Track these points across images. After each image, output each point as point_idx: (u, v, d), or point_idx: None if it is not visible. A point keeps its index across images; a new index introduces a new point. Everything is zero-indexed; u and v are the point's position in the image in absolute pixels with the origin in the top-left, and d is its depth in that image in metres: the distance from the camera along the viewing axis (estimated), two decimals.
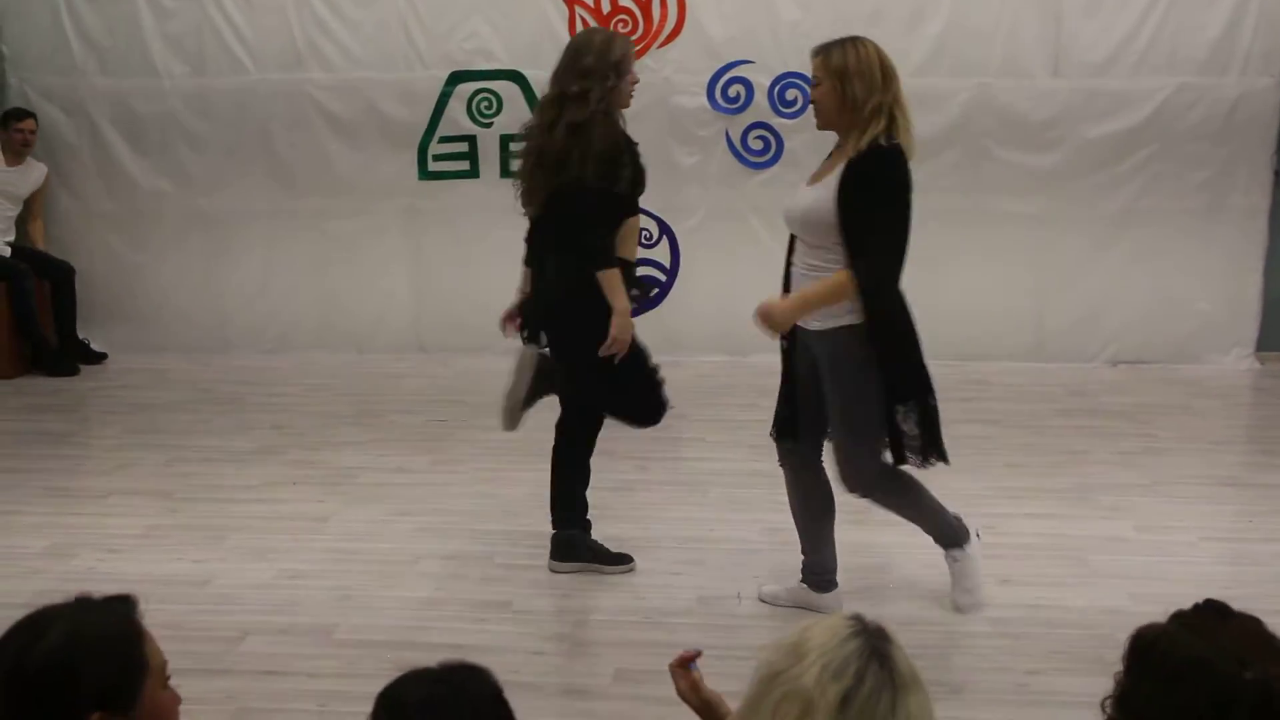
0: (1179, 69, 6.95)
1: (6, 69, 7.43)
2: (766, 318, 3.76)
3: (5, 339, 7.08)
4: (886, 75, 3.68)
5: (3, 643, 1.69)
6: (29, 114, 7.22)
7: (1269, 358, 7.29)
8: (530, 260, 4.35)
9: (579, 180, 4.01)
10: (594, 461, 5.58)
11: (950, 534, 4.06)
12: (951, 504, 4.92)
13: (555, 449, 4.46)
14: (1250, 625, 1.79)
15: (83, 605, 1.74)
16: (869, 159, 3.61)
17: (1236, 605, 1.89)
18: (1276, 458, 5.67)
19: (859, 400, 3.76)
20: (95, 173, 7.50)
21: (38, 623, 1.70)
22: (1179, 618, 1.81)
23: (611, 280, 4.05)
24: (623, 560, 4.40)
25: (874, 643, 1.67)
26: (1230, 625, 1.78)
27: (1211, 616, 1.80)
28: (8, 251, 7.18)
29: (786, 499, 4.16)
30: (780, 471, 5.17)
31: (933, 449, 3.83)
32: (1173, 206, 7.11)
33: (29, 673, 1.65)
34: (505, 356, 7.19)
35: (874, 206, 3.59)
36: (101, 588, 1.86)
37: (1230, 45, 6.91)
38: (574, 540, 4.40)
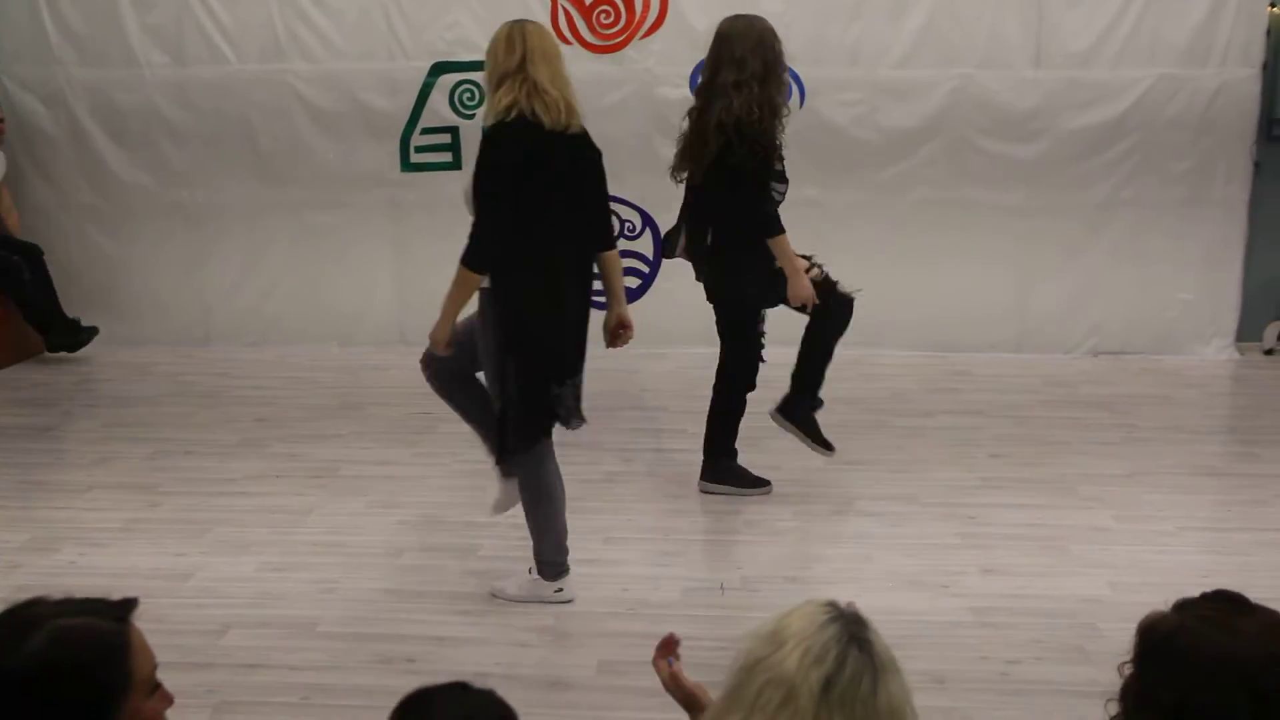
0: (1160, 60, 6.97)
1: None
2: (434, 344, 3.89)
3: None
4: (510, 49, 3.72)
5: None
6: None
7: (1249, 348, 7.32)
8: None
9: None
10: (576, 453, 5.61)
11: (550, 558, 4.04)
12: (936, 494, 4.97)
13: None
14: (1273, 619, 1.75)
15: (69, 610, 1.67)
16: (481, 141, 3.80)
17: None
18: (1256, 447, 5.70)
19: (487, 358, 3.87)
20: (74, 164, 7.45)
21: (19, 626, 1.63)
22: (1189, 609, 1.78)
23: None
24: (761, 483, 4.96)
25: (852, 628, 1.69)
26: (1253, 619, 1.74)
27: (1230, 609, 1.76)
28: None
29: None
30: (762, 462, 5.20)
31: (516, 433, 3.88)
32: (1153, 197, 7.14)
33: (5, 683, 1.60)
34: None
35: (476, 187, 3.76)
36: (83, 581, 1.83)
37: (1210, 36, 6.93)
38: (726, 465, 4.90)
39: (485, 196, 3.71)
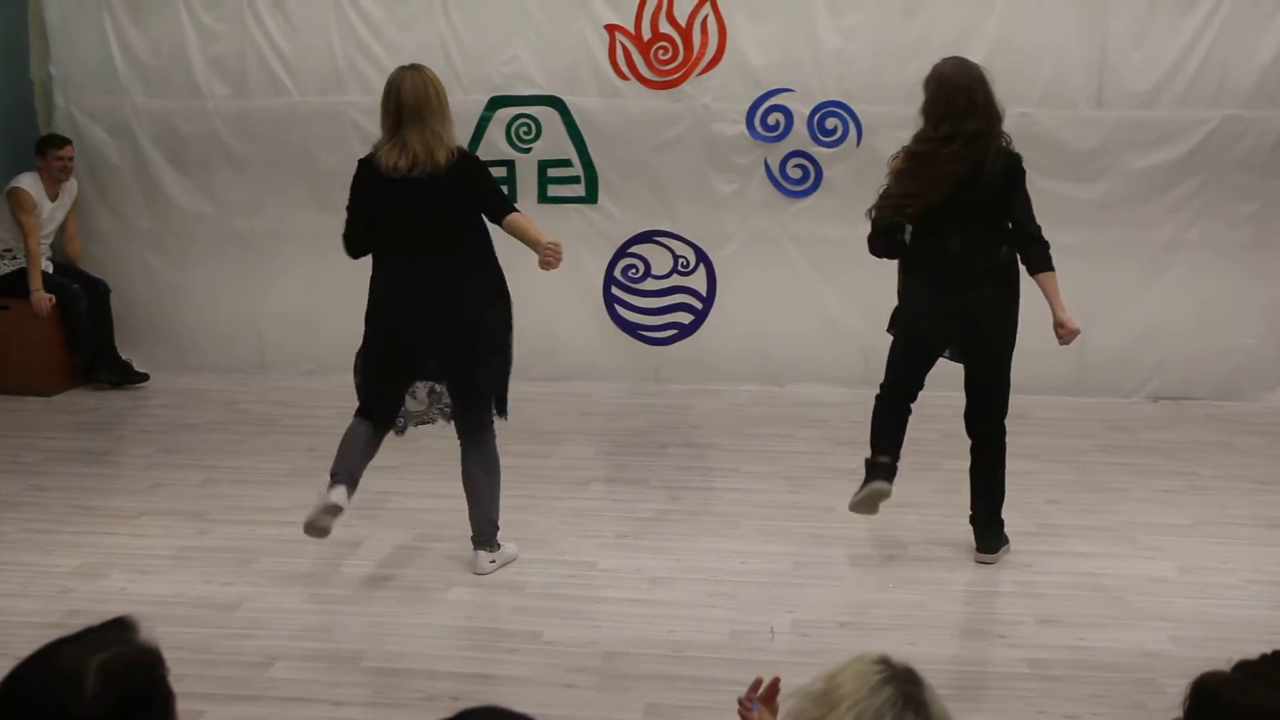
0: (1226, 100, 6.84)
1: (54, 90, 7.50)
2: None
3: (47, 356, 7.13)
4: (385, 110, 4.44)
5: (38, 694, 1.62)
6: (67, 140, 7.24)
7: None
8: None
9: None
10: (624, 490, 5.57)
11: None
12: None
13: (987, 452, 4.67)
14: None
15: (92, 645, 1.67)
16: None
17: None
18: None
19: None
20: (137, 192, 7.54)
21: (65, 676, 1.63)
22: (1246, 667, 1.75)
23: None
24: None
25: (906, 688, 1.62)
26: None
27: None
28: (50, 268, 7.24)
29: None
30: (813, 503, 5.12)
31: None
32: (1218, 240, 6.99)
33: None
34: (549, 382, 7.24)
35: None
36: (131, 609, 1.83)
37: (1278, 77, 6.81)
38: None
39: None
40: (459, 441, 4.64)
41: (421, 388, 4.69)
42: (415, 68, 4.48)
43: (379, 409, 4.62)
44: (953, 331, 4.63)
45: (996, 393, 4.67)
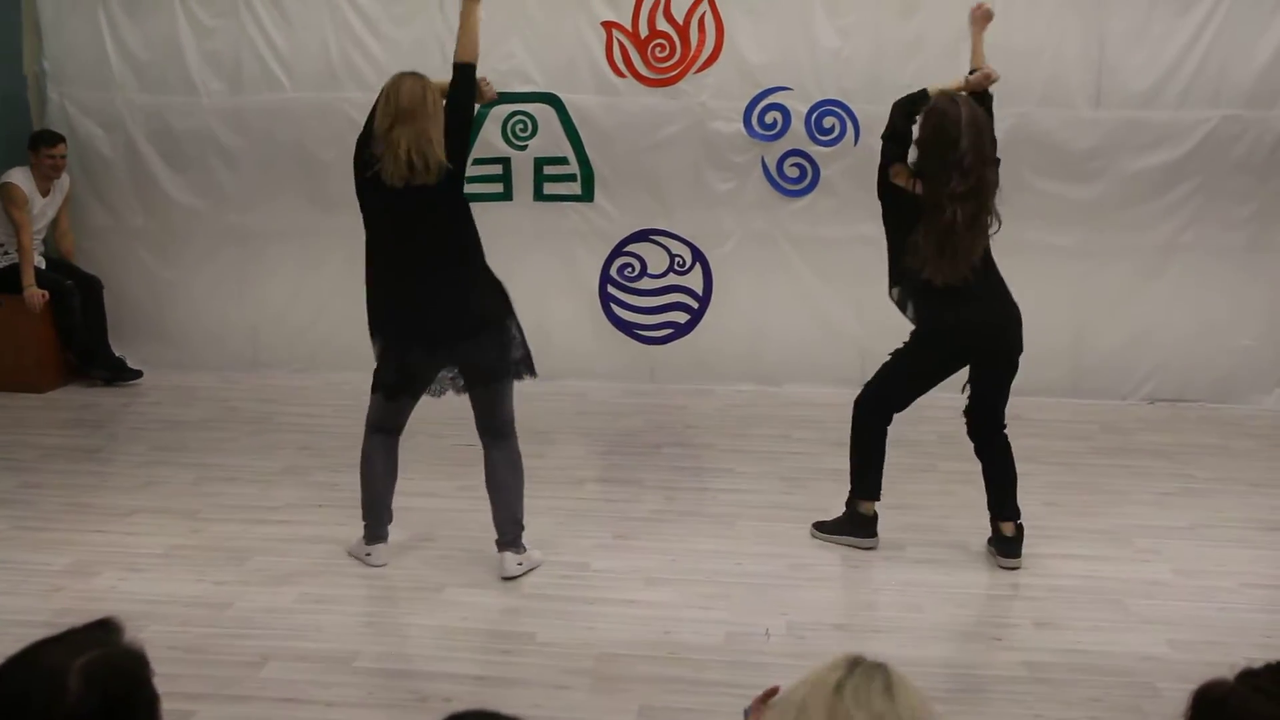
0: (1225, 101, 6.83)
1: (47, 84, 7.47)
2: None
3: (40, 353, 7.10)
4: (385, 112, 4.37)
5: (20, 696, 1.60)
6: (60, 138, 7.20)
7: None
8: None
9: None
10: (618, 490, 5.55)
11: (365, 521, 4.63)
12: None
13: (1006, 444, 4.82)
14: None
15: (74, 648, 1.65)
16: None
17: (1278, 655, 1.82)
18: None
19: None
20: (130, 188, 7.50)
21: (48, 679, 1.61)
22: (1249, 678, 1.74)
23: None
24: None
25: (867, 664, 1.70)
26: None
27: None
28: (43, 264, 7.20)
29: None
30: (809, 504, 5.10)
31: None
32: (1215, 241, 6.98)
33: None
34: (544, 381, 7.19)
35: None
36: (122, 608, 1.81)
37: (1277, 77, 6.79)
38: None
39: None
40: (481, 442, 4.58)
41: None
42: (415, 74, 4.43)
43: (390, 424, 4.61)
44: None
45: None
